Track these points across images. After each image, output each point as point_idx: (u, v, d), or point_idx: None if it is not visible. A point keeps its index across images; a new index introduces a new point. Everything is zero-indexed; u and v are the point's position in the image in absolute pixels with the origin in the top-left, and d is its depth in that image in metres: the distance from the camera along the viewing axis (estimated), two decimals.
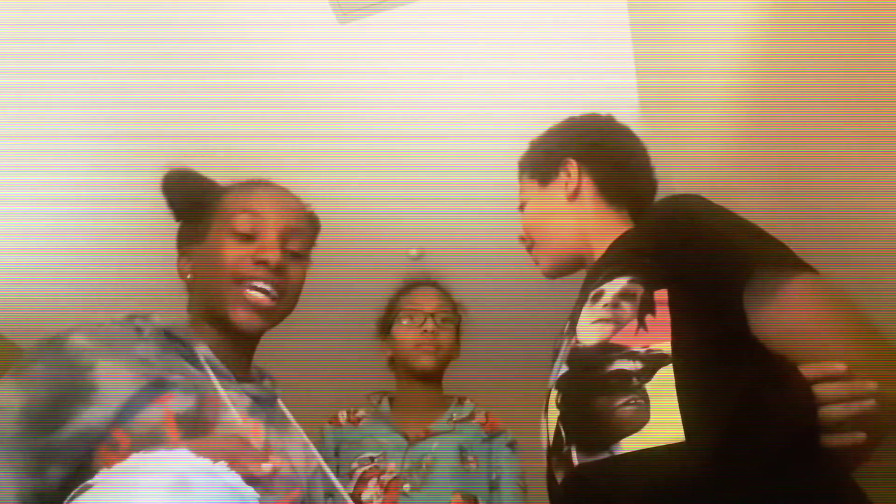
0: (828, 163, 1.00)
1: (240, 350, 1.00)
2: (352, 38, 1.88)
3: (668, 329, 0.85)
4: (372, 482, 1.45)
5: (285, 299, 0.99)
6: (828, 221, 1.01)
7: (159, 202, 1.06)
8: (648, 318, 0.87)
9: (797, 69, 1.04)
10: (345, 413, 1.64)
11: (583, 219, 1.14)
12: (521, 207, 1.24)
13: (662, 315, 0.86)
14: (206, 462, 0.64)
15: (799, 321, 0.82)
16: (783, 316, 0.82)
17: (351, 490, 1.45)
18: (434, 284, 1.71)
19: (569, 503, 0.85)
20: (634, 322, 0.88)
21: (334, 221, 1.21)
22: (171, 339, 0.92)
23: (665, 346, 0.83)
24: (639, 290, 0.90)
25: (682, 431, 0.76)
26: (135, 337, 0.88)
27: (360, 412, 1.63)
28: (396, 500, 1.42)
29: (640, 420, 0.80)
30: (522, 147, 1.34)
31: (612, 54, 1.90)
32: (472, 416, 1.58)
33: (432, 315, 1.60)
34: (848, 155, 0.94)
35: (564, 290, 1.51)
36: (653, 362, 0.83)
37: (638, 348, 0.85)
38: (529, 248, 1.23)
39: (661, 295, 0.88)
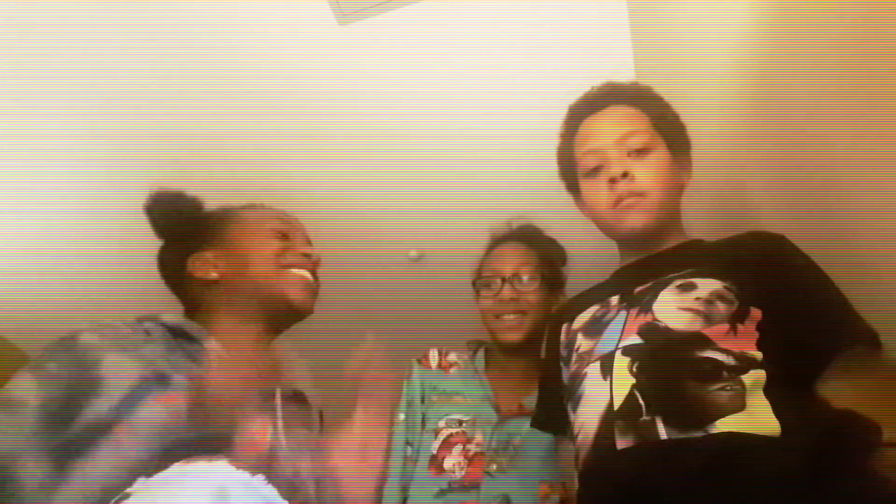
0: (827, 162, 0.99)
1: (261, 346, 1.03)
2: (351, 40, 1.88)
3: (755, 342, 0.87)
4: (456, 449, 1.37)
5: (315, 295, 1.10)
6: (827, 221, 1.01)
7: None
8: (740, 326, 0.89)
9: (797, 69, 1.04)
10: (436, 354, 1.54)
11: (678, 206, 1.13)
12: (642, 151, 1.07)
13: (751, 328, 0.89)
14: (245, 475, 0.66)
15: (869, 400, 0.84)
16: (858, 392, 0.85)
17: (434, 451, 1.38)
18: (517, 237, 1.55)
19: (649, 474, 0.83)
20: (726, 325, 0.89)
21: (333, 222, 1.21)
22: (178, 337, 0.94)
23: (757, 354, 0.86)
24: (734, 298, 0.91)
25: (779, 426, 0.79)
26: (143, 338, 0.90)
27: (453, 356, 1.54)
28: (480, 476, 1.34)
29: (736, 405, 0.82)
30: (522, 147, 1.34)
31: (611, 54, 1.90)
32: None
33: (510, 279, 1.46)
34: (848, 154, 0.94)
35: (567, 290, 1.50)
36: (745, 361, 0.85)
37: (730, 347, 0.87)
38: (632, 195, 1.05)
39: (756, 313, 0.90)
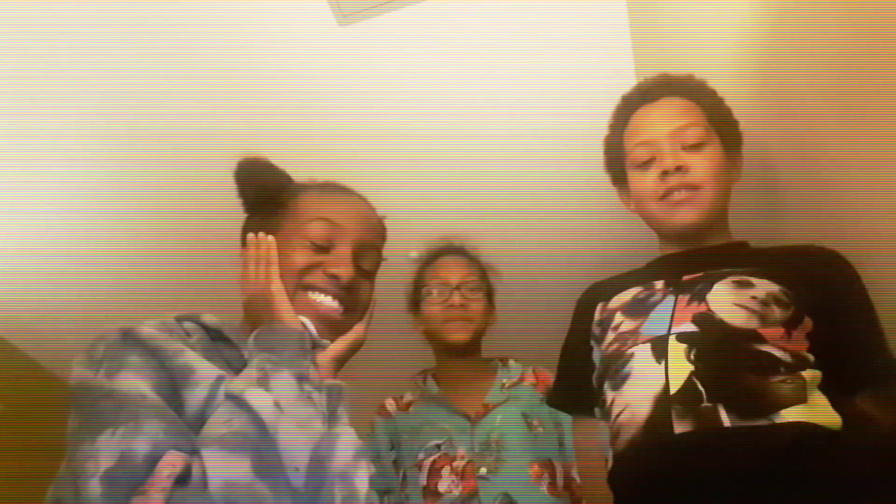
0: (827, 163, 0.99)
1: None
2: (351, 40, 1.88)
3: (807, 349, 0.89)
4: (445, 471, 1.40)
5: (352, 318, 0.94)
6: (827, 221, 1.01)
7: (159, 202, 1.06)
8: (794, 332, 0.89)
9: (796, 69, 1.04)
10: (392, 401, 1.57)
11: (727, 201, 1.09)
12: (698, 145, 1.05)
13: (802, 336, 0.90)
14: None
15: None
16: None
17: (424, 482, 1.41)
18: (458, 252, 1.62)
19: (711, 460, 0.82)
20: (781, 328, 0.89)
21: None
22: (216, 340, 0.86)
23: (810, 356, 0.88)
24: (790, 303, 0.91)
25: (840, 420, 0.81)
26: (184, 338, 0.81)
27: (408, 396, 1.58)
28: (476, 485, 1.37)
29: (798, 397, 0.83)
30: (522, 147, 1.34)
31: (611, 54, 1.90)
32: (521, 378, 1.53)
33: (458, 287, 1.52)
34: (847, 155, 0.94)
35: (565, 290, 1.51)
36: (801, 360, 0.87)
37: (785, 346, 0.87)
38: (685, 187, 1.04)
39: (809, 322, 0.91)
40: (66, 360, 0.81)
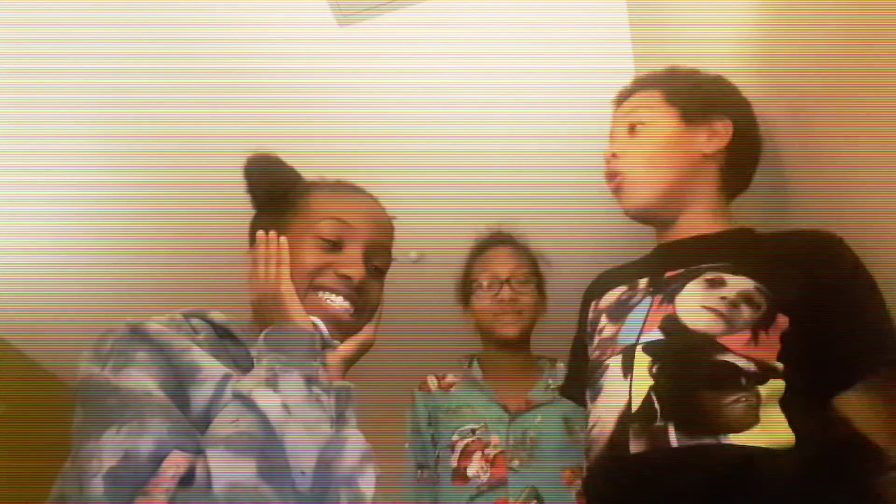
0: (827, 162, 0.99)
1: None
2: (351, 40, 1.88)
3: (776, 354, 0.85)
4: (476, 456, 1.41)
5: (361, 319, 0.92)
6: (827, 221, 1.01)
7: (159, 202, 1.05)
8: (762, 334, 0.86)
9: (796, 68, 1.04)
10: (434, 378, 1.57)
11: (703, 181, 1.05)
12: (634, 125, 1.08)
13: (774, 337, 0.86)
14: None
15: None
16: (879, 414, 0.83)
17: (454, 464, 1.42)
18: (508, 241, 1.60)
19: (658, 481, 0.83)
20: (748, 333, 0.86)
21: None
22: (224, 337, 0.85)
23: (776, 364, 0.84)
24: (762, 302, 0.88)
25: (793, 438, 0.78)
26: (192, 335, 0.80)
27: (450, 377, 1.57)
28: (505, 474, 1.37)
29: (749, 421, 0.80)
30: (522, 147, 1.34)
31: (611, 54, 1.90)
32: None
33: (508, 280, 1.50)
34: (847, 154, 0.94)
35: (565, 290, 1.50)
36: (765, 369, 0.84)
37: (749, 354, 0.85)
38: (617, 175, 1.08)
39: (783, 321, 0.87)
40: (66, 360, 0.81)
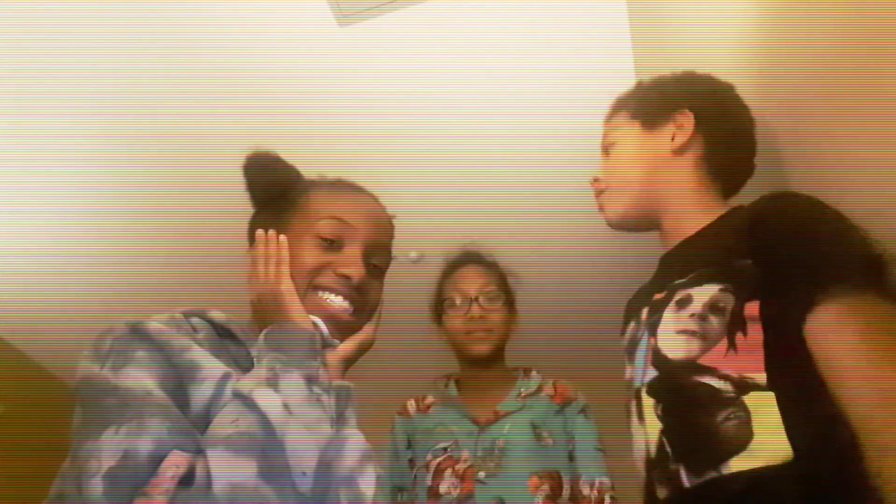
0: (827, 163, 0.99)
1: None
2: (351, 40, 1.88)
3: (761, 355, 0.81)
4: (447, 473, 1.44)
5: (361, 318, 0.92)
6: None
7: (159, 202, 1.05)
8: (739, 337, 0.83)
9: (797, 69, 1.04)
10: (413, 402, 1.61)
11: (678, 178, 1.05)
12: (607, 148, 1.13)
13: (754, 334, 0.82)
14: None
15: (832, 353, 0.76)
16: (846, 344, 0.76)
17: (429, 483, 1.44)
18: (476, 260, 1.63)
19: None
20: (724, 342, 0.84)
21: None
22: (224, 337, 0.84)
23: (759, 377, 0.81)
24: (729, 302, 0.86)
25: (791, 449, 0.76)
26: (192, 334, 0.79)
27: (430, 398, 1.60)
28: (473, 487, 1.40)
29: (744, 436, 0.79)
30: (522, 147, 1.34)
31: (611, 54, 1.90)
32: (539, 388, 1.54)
33: (477, 298, 1.54)
34: (847, 155, 0.94)
35: (565, 290, 1.50)
36: (745, 383, 0.81)
37: (729, 371, 0.83)
38: (600, 193, 1.12)
39: (752, 309, 0.83)
40: (66, 360, 0.81)
